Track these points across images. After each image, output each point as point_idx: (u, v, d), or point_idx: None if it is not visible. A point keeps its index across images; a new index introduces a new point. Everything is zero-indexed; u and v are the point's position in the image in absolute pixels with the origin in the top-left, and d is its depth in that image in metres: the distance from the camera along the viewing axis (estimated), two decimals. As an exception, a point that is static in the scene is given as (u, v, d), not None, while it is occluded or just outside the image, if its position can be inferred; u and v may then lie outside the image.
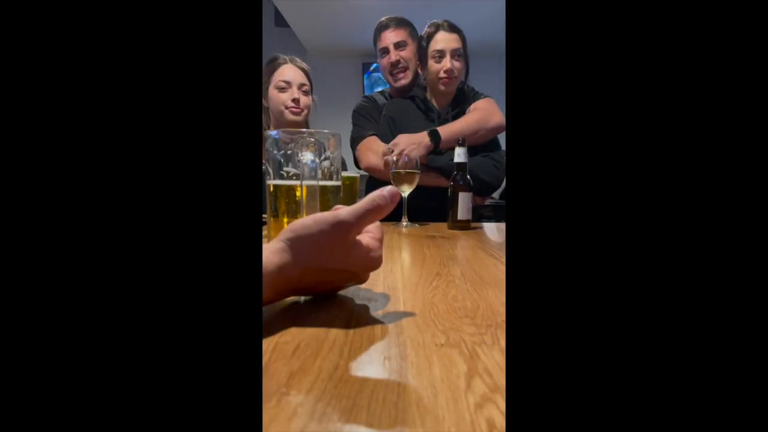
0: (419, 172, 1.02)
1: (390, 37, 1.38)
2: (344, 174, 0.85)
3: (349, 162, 1.50)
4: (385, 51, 1.40)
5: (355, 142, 1.35)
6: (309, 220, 0.34)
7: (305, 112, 1.38)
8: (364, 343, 0.29)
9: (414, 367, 0.25)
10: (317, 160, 0.44)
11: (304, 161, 0.43)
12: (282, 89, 1.35)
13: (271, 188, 0.48)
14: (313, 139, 0.47)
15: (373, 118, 1.39)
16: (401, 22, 1.41)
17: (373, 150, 1.28)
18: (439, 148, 1.18)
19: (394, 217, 1.06)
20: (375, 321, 0.34)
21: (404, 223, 1.04)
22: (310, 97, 1.41)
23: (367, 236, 0.36)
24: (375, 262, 0.36)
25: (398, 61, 1.38)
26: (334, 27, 3.19)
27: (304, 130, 0.48)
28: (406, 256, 0.64)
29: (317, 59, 3.76)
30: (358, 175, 0.91)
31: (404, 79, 1.40)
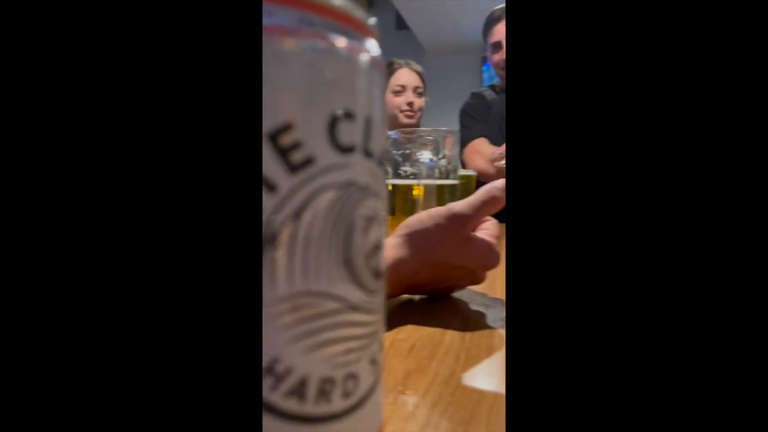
0: None
1: (503, 30, 1.27)
2: (461, 172, 0.83)
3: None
4: (498, 46, 1.28)
5: (462, 144, 1.27)
6: (424, 215, 0.34)
7: (419, 114, 1.40)
8: (482, 351, 0.28)
9: (539, 385, 0.23)
10: (434, 159, 0.44)
11: (421, 160, 0.43)
12: (397, 93, 1.39)
13: (389, 187, 0.49)
14: (431, 138, 0.47)
15: (482, 117, 1.31)
16: None
17: (481, 153, 1.20)
18: None
19: None
20: (493, 329, 0.32)
21: None
22: (423, 98, 1.42)
23: (484, 233, 0.35)
24: (492, 259, 0.34)
25: None
26: (452, 24, 3.16)
27: (422, 128, 0.48)
28: None
29: (435, 58, 3.77)
30: (474, 173, 0.89)
31: None
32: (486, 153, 1.17)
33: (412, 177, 0.48)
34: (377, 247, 0.12)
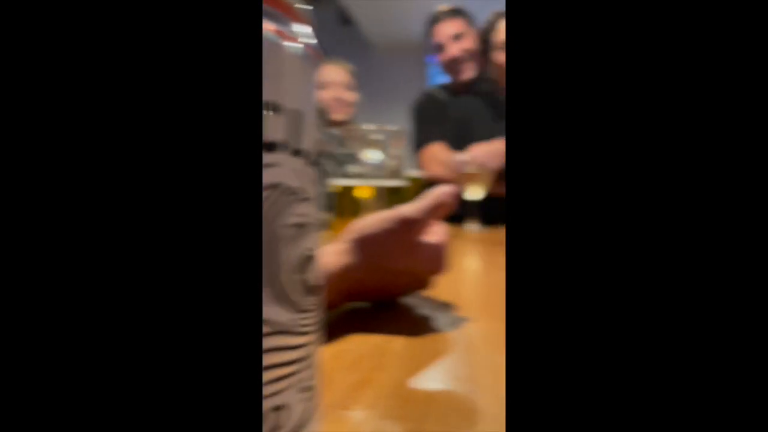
0: (488, 173, 0.98)
1: (446, 29, 1.29)
2: (410, 174, 0.84)
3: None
4: (442, 47, 1.31)
5: (418, 147, 1.28)
6: (372, 219, 0.34)
7: (350, 109, 1.44)
8: (430, 359, 0.27)
9: (488, 393, 0.23)
10: (383, 159, 0.43)
11: (369, 159, 0.43)
12: (324, 89, 1.43)
13: (334, 188, 0.48)
14: (381, 137, 0.46)
15: (436, 119, 1.31)
16: (455, 13, 1.31)
17: (439, 160, 1.18)
18: None
19: (458, 221, 1.02)
20: (439, 333, 0.32)
21: (471, 227, 1.00)
22: (353, 94, 1.47)
23: (433, 237, 0.35)
24: (440, 265, 0.35)
25: (460, 55, 1.29)
26: (399, 20, 3.20)
27: (371, 126, 0.47)
28: (472, 264, 0.62)
29: (382, 54, 3.79)
30: (423, 178, 0.90)
31: (468, 72, 1.31)
32: (445, 160, 1.16)
33: (358, 177, 0.47)
34: (309, 259, 0.10)
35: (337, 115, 1.40)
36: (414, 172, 0.88)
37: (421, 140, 1.29)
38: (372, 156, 0.43)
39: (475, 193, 0.98)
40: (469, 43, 1.30)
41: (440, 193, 0.33)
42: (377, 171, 0.44)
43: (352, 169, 0.45)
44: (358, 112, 1.52)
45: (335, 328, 0.33)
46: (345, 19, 3.44)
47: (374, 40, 3.68)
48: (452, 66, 1.32)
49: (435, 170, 1.19)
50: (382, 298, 0.39)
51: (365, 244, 0.33)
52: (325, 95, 1.39)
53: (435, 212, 0.33)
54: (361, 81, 1.53)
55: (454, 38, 1.29)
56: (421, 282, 0.37)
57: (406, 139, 0.48)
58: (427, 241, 0.34)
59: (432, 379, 0.25)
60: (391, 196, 0.49)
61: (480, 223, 1.00)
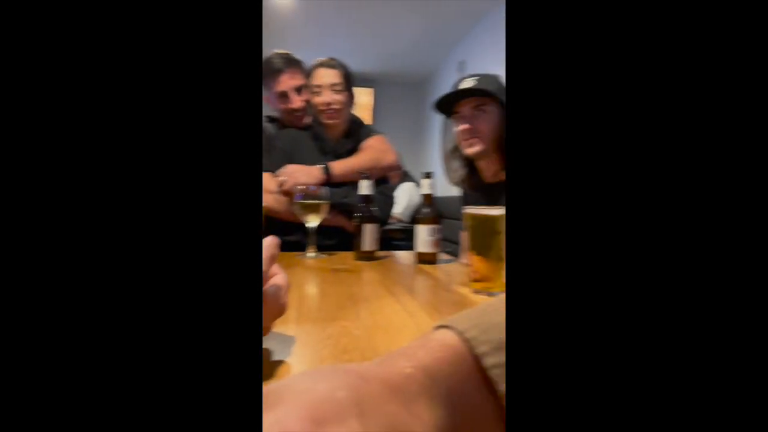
0: (325, 202, 1.05)
1: (290, 82, 1.35)
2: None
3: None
4: (284, 95, 1.36)
5: None
6: None
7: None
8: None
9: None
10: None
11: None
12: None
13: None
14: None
15: (264, 150, 1.31)
16: (295, 63, 1.37)
17: (268, 190, 1.21)
18: (330, 182, 1.21)
19: (300, 247, 1.13)
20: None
21: (310, 254, 1.08)
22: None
23: (271, 282, 0.37)
24: (277, 309, 0.37)
25: (302, 107, 1.37)
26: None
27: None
28: (306, 294, 0.67)
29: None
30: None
31: (306, 119, 1.37)
32: (272, 188, 1.21)
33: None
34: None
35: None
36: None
37: None
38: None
39: (311, 221, 1.07)
40: (307, 95, 1.36)
41: (266, 244, 0.36)
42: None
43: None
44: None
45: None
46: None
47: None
48: (294, 114, 1.37)
49: (266, 201, 1.20)
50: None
51: None
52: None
53: (271, 260, 0.36)
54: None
55: (297, 90, 1.35)
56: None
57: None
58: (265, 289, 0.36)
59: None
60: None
61: (316, 250, 1.09)
